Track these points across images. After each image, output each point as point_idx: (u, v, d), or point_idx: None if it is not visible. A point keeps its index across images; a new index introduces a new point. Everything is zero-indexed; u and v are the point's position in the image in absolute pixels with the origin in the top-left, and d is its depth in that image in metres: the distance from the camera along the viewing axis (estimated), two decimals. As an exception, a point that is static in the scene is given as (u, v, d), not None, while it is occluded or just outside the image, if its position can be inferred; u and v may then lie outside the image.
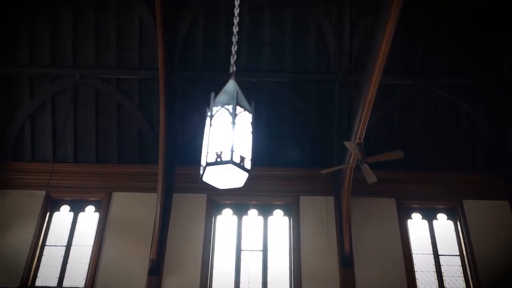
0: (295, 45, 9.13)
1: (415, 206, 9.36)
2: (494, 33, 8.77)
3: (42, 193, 9.26)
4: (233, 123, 2.79)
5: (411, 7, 7.75)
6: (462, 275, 8.65)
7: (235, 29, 3.53)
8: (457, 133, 9.42)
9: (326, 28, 8.97)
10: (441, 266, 8.74)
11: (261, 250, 8.85)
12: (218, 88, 9.32)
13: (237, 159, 2.65)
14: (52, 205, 9.32)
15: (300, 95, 9.35)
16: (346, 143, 7.37)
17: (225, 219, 9.24)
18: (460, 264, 8.75)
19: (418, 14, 8.74)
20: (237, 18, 3.61)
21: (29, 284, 8.48)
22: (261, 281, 8.56)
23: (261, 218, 9.21)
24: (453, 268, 8.74)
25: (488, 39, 8.83)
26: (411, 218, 9.26)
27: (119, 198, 9.29)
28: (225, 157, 2.64)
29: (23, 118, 9.39)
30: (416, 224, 9.20)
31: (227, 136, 2.74)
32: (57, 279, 8.61)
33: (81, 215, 9.27)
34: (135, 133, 9.49)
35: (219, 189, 8.23)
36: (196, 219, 9.07)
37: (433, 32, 8.89)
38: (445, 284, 8.56)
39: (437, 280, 8.60)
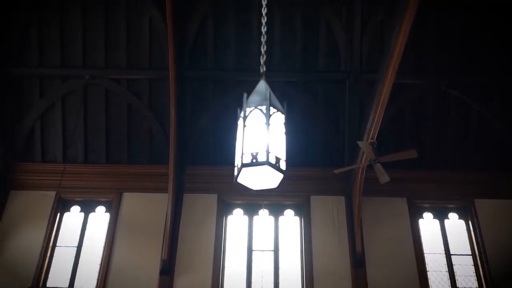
0: (305, 45, 9.10)
1: (427, 205, 9.32)
2: (506, 32, 8.72)
3: (53, 193, 9.29)
4: (267, 123, 2.77)
5: (422, 6, 7.71)
6: (475, 275, 8.62)
7: (264, 29, 3.50)
8: (468, 132, 9.39)
9: (336, 27, 8.96)
10: (453, 266, 8.70)
11: (272, 250, 8.83)
12: (227, 87, 9.38)
13: (272, 160, 2.64)
14: (62, 206, 9.32)
15: (310, 94, 9.33)
16: (360, 143, 7.35)
17: (236, 219, 9.21)
18: (473, 264, 8.71)
19: (430, 13, 8.69)
20: (265, 18, 3.59)
21: (40, 285, 8.49)
22: (272, 281, 8.53)
23: (272, 218, 9.19)
24: (465, 267, 8.70)
25: (500, 38, 8.78)
26: (422, 217, 9.23)
27: (129, 199, 9.28)
28: (261, 158, 2.62)
29: (33, 118, 9.39)
30: (428, 224, 9.17)
31: (262, 137, 2.72)
32: (68, 280, 8.61)
33: (91, 215, 9.26)
34: (145, 133, 9.47)
35: (229, 189, 8.21)
36: (207, 219, 9.05)
37: (445, 31, 8.84)
38: (458, 283, 8.52)
39: (449, 280, 8.56)
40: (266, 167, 2.61)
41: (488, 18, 8.66)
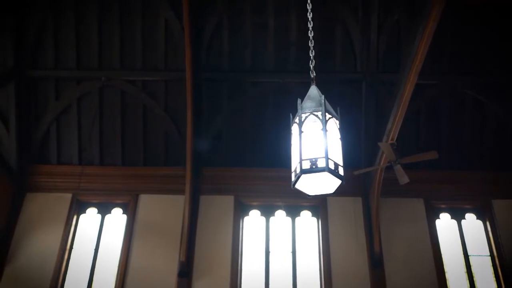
0: (321, 45, 9.08)
1: (443, 206, 9.30)
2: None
3: (69, 196, 9.29)
4: (324, 129, 2.76)
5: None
6: (493, 276, 8.59)
7: (311, 34, 3.48)
8: (485, 132, 9.36)
9: (352, 27, 8.93)
10: (472, 267, 8.68)
11: (290, 252, 8.81)
12: (243, 89, 9.35)
13: (331, 166, 2.62)
14: (78, 208, 9.30)
15: (326, 95, 9.25)
16: (381, 144, 7.33)
17: (253, 221, 9.20)
18: (491, 264, 8.68)
19: (446, 13, 8.63)
20: (311, 23, 3.56)
21: (58, 287, 8.47)
22: (291, 283, 8.52)
23: (289, 219, 9.17)
24: (484, 268, 8.67)
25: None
26: (439, 218, 9.21)
27: (146, 200, 9.26)
28: (321, 164, 2.61)
29: (48, 121, 9.38)
30: (445, 224, 9.14)
31: (319, 143, 2.71)
32: (86, 282, 8.59)
33: (108, 217, 9.24)
34: (161, 134, 9.46)
35: (246, 190, 8.22)
36: (224, 221, 9.04)
37: (461, 31, 8.81)
38: (476, 284, 8.49)
39: (467, 281, 8.54)
40: (326, 173, 2.60)
41: (506, 17, 8.62)
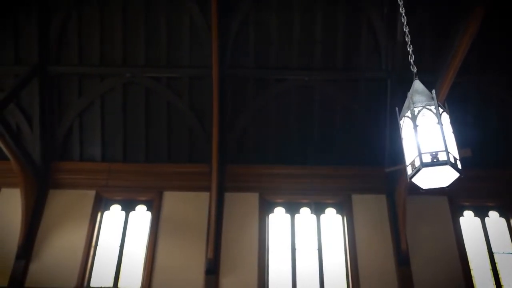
0: (346, 42, 9.07)
1: (467, 203, 9.33)
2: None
3: (92, 192, 9.24)
4: (440, 123, 2.77)
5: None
6: (519, 273, 8.66)
7: (406, 29, 3.48)
8: (508, 129, 9.39)
9: (378, 25, 8.93)
10: (496, 264, 8.73)
11: (316, 249, 8.82)
12: (268, 85, 9.30)
13: (452, 160, 2.64)
14: (103, 205, 9.27)
15: (351, 92, 9.30)
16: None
17: (278, 218, 9.20)
18: (516, 262, 8.76)
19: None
20: (405, 18, 3.55)
21: (84, 285, 8.44)
22: (318, 280, 8.53)
23: (313, 217, 9.18)
24: (508, 265, 8.72)
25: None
26: (463, 215, 9.25)
27: (170, 197, 9.22)
28: (442, 157, 2.63)
29: (72, 117, 9.32)
30: (469, 222, 9.18)
31: (436, 136, 2.72)
32: (112, 279, 8.57)
33: (132, 214, 9.21)
34: (185, 131, 9.42)
35: (270, 187, 8.19)
36: (249, 218, 9.02)
37: (488, 28, 8.80)
38: (502, 281, 8.54)
39: (493, 278, 8.59)
40: (447, 167, 2.62)
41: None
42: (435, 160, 2.64)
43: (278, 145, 9.43)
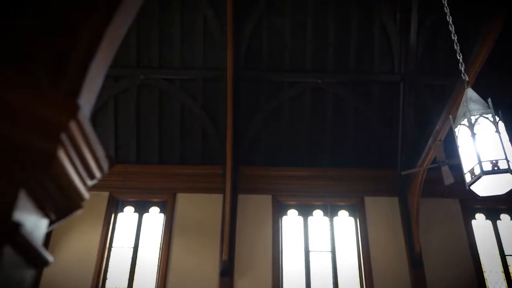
0: (359, 45, 9.12)
1: (478, 206, 9.39)
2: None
3: (106, 194, 9.24)
4: (498, 131, 2.80)
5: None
6: (531, 275, 8.72)
7: (455, 37, 3.49)
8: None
9: (391, 28, 8.99)
10: (509, 266, 8.79)
11: (329, 251, 8.86)
12: (281, 88, 9.32)
13: None
14: (116, 206, 9.27)
15: (364, 96, 9.35)
16: (433, 144, 7.39)
17: (291, 220, 9.22)
18: (529, 264, 8.82)
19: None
20: (452, 26, 3.57)
21: (99, 286, 8.44)
22: (331, 282, 8.56)
23: (326, 219, 9.21)
24: (521, 268, 8.80)
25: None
26: (475, 218, 9.31)
27: (183, 199, 9.24)
28: (502, 166, 2.66)
29: (85, 118, 9.30)
30: (481, 225, 9.24)
31: (494, 145, 2.75)
32: (127, 281, 8.58)
33: (145, 216, 9.21)
34: (198, 133, 9.44)
35: (283, 189, 8.21)
36: (263, 220, 9.05)
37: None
38: (514, 284, 8.62)
39: (505, 281, 8.65)
40: (507, 174, 2.66)
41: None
42: (495, 168, 2.67)
43: (291, 147, 9.47)
